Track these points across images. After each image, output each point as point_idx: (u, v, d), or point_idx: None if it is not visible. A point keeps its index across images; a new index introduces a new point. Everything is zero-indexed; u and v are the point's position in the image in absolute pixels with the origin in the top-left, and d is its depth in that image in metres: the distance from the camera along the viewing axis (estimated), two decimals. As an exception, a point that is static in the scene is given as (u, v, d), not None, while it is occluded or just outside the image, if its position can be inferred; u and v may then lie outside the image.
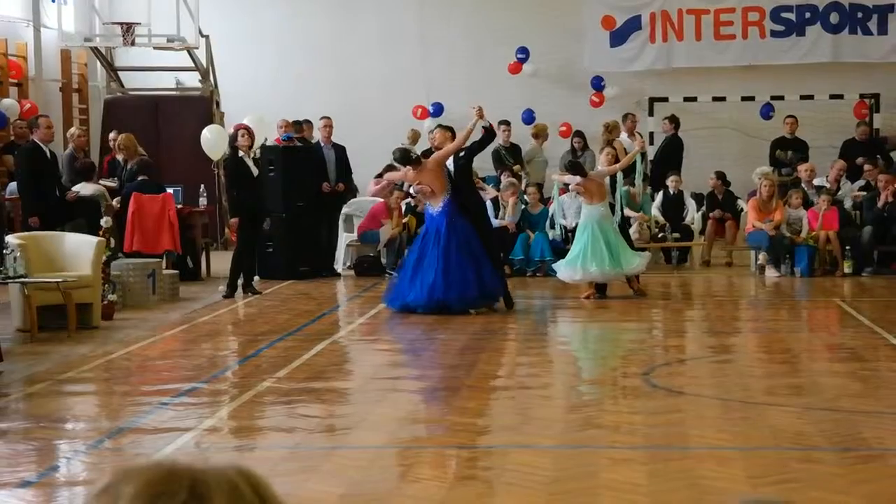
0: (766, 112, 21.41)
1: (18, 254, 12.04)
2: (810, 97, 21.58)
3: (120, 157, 17.40)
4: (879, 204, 17.47)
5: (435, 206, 13.56)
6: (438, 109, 22.26)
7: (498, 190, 18.50)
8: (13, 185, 16.73)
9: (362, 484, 6.73)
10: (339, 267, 18.04)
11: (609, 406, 8.76)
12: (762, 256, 17.38)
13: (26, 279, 11.98)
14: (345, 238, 18.32)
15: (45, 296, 12.11)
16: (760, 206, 17.65)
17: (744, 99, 21.84)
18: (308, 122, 19.34)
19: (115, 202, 16.04)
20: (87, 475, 7.03)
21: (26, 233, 13.48)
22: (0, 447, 7.59)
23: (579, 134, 20.47)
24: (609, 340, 12.20)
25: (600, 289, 14.77)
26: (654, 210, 18.75)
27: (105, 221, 14.11)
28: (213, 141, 16.86)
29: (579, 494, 6.39)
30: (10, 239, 12.54)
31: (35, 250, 12.50)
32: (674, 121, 20.39)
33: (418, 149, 20.91)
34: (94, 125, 21.31)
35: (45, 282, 12.10)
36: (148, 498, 1.52)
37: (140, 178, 16.41)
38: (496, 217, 17.95)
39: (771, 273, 17.10)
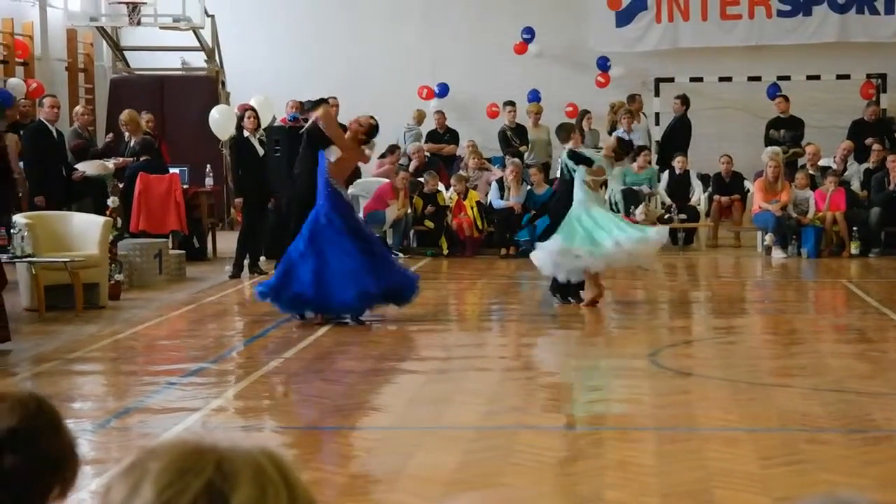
0: (773, 92, 21.35)
1: (26, 233, 12.05)
2: (817, 77, 21.52)
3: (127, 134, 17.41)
4: (891, 187, 17.41)
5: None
6: (444, 90, 22.22)
7: (503, 170, 18.49)
8: (19, 165, 16.72)
9: (370, 464, 6.74)
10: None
11: (616, 387, 8.77)
12: (769, 237, 17.37)
13: (34, 259, 12.00)
14: (351, 218, 18.28)
15: (53, 275, 12.13)
16: (767, 187, 17.62)
17: (750, 79, 21.78)
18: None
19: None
20: (95, 454, 7.04)
21: (33, 212, 13.48)
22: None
23: (585, 114, 20.44)
24: (615, 321, 12.20)
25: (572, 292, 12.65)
26: (661, 190, 18.73)
27: (112, 201, 14.11)
28: (221, 121, 16.83)
29: (587, 475, 6.40)
30: (18, 218, 12.54)
31: (42, 230, 12.51)
32: (685, 101, 20.34)
33: (423, 129, 20.97)
34: (99, 105, 21.28)
35: (52, 261, 12.12)
36: (175, 474, 1.53)
37: (143, 158, 16.40)
38: (501, 198, 17.95)
39: (777, 254, 17.08)
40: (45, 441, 1.91)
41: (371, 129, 12.03)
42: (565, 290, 12.48)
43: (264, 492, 1.55)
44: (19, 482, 1.89)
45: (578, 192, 12.53)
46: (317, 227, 11.52)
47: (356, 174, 19.00)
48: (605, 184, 13.42)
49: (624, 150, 13.30)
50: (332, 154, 11.67)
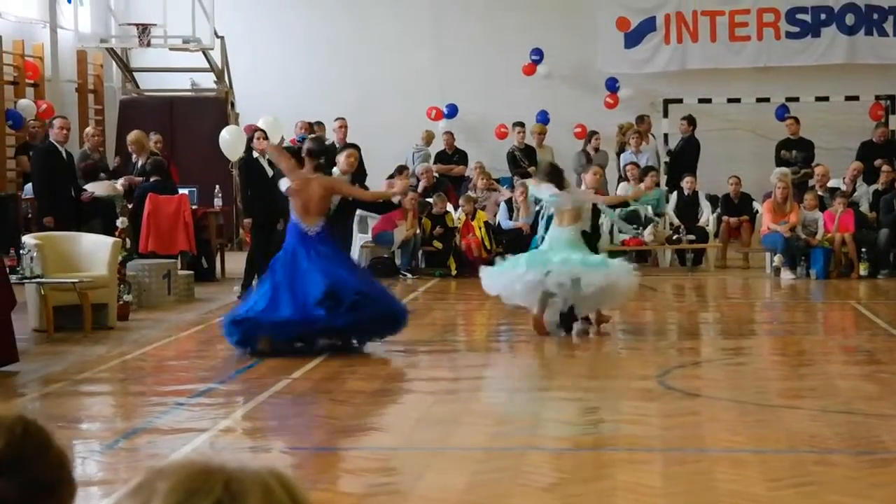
0: (781, 114, 21.36)
1: (35, 254, 12.08)
2: (825, 99, 21.53)
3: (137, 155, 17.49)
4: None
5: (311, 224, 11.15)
6: (453, 111, 22.27)
7: (512, 191, 18.52)
8: (29, 186, 16.78)
9: (378, 485, 6.74)
10: (353, 268, 18.02)
11: (624, 408, 8.75)
12: (777, 258, 17.35)
13: (43, 279, 12.02)
14: (359, 239, 18.32)
15: (62, 296, 12.15)
16: (775, 208, 17.62)
17: (759, 100, 21.80)
18: (320, 123, 19.35)
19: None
20: (103, 475, 7.04)
21: (43, 233, 13.51)
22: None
23: (593, 135, 20.48)
24: (624, 342, 12.18)
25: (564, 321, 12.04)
26: (669, 211, 18.74)
27: (121, 222, 14.15)
28: (231, 142, 16.87)
29: (594, 496, 6.39)
30: (27, 239, 12.58)
31: (51, 250, 12.54)
32: (691, 122, 20.37)
33: (432, 150, 21.00)
34: (109, 126, 21.35)
35: (61, 282, 12.14)
36: (183, 494, 1.54)
37: (153, 179, 16.45)
38: (510, 219, 17.97)
39: (786, 275, 17.07)
40: (34, 465, 1.85)
41: (312, 149, 11.18)
42: (568, 321, 11.97)
43: None
44: None
45: (541, 228, 12.22)
46: (276, 260, 11.08)
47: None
48: (596, 213, 13.09)
49: (552, 177, 12.26)
50: (283, 184, 11.17)
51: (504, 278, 11.85)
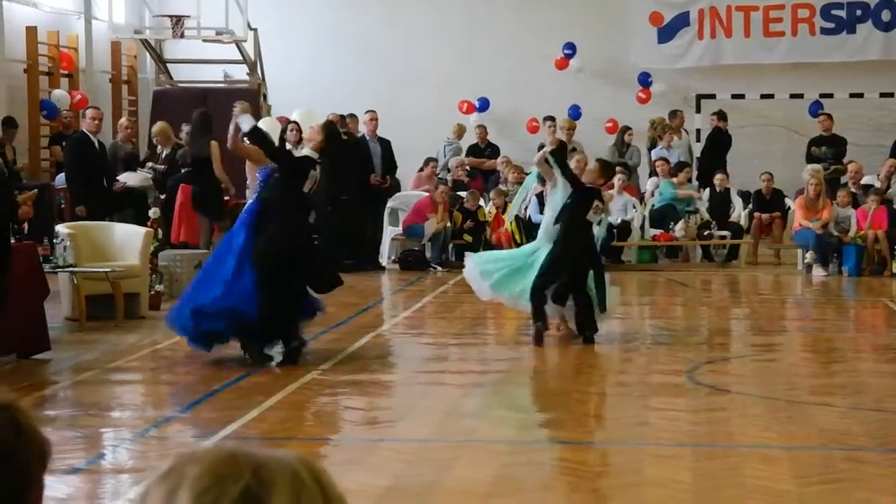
0: (815, 110, 21.24)
1: (68, 243, 12.17)
2: (860, 95, 21.39)
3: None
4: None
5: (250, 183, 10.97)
6: (484, 104, 22.25)
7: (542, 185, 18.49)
8: (62, 176, 16.89)
9: (406, 477, 6.75)
10: (383, 260, 18.09)
11: (654, 403, 8.73)
12: (809, 255, 17.26)
13: (75, 268, 12.10)
14: (390, 232, 18.36)
15: (94, 285, 12.22)
16: (808, 205, 17.53)
17: (792, 96, 21.68)
18: (353, 115, 19.39)
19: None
20: (133, 463, 7.09)
21: (75, 223, 13.60)
22: (49, 434, 7.67)
23: (626, 130, 20.43)
24: (653, 338, 12.15)
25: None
26: (701, 207, 18.67)
27: (153, 212, 14.21)
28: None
29: (624, 490, 6.38)
30: (60, 228, 12.67)
31: (84, 240, 12.62)
32: (722, 117, 20.27)
33: (464, 143, 20.97)
34: (142, 117, 21.45)
35: (93, 271, 12.22)
36: (212, 479, 1.55)
37: (185, 170, 16.52)
38: (541, 212, 17.93)
39: (818, 272, 16.98)
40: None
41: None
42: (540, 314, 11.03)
43: (300, 499, 1.56)
44: None
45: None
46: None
47: (397, 188, 19.03)
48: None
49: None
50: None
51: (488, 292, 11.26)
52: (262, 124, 16.46)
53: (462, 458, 7.18)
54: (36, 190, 10.26)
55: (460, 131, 21.00)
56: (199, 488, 1.54)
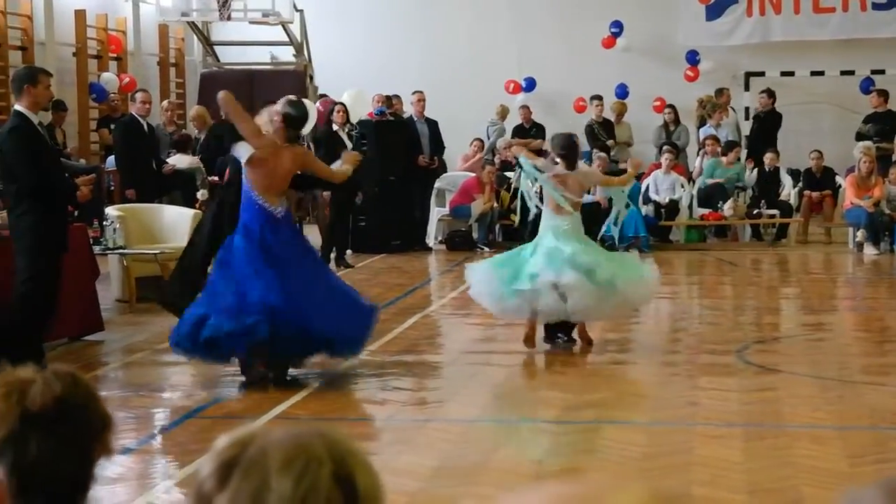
0: (867, 86, 20.98)
1: (118, 226, 12.26)
2: (912, 71, 21.12)
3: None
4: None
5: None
6: (531, 84, 22.17)
7: (590, 165, 18.40)
8: (111, 159, 17.01)
9: (454, 457, 6.76)
10: (430, 241, 18.09)
11: (703, 383, 8.69)
12: (860, 233, 17.09)
13: (125, 250, 12.20)
14: (436, 212, 18.35)
15: (143, 267, 12.31)
16: (859, 183, 17.34)
17: (843, 73, 21.43)
18: (397, 96, 19.39)
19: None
20: (185, 444, 7.14)
21: (125, 205, 13.70)
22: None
23: (671, 108, 20.29)
24: (702, 317, 12.08)
25: (560, 329, 10.01)
26: (750, 185, 18.52)
27: (201, 194, 14.28)
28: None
29: (673, 470, 6.35)
30: (110, 211, 12.77)
31: (133, 222, 12.72)
32: (771, 95, 20.08)
33: (507, 125, 20.91)
34: (190, 99, 21.56)
35: (143, 253, 12.31)
36: (303, 464, 1.56)
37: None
38: (588, 192, 17.84)
39: (869, 250, 16.80)
40: (86, 411, 2.09)
41: (288, 118, 8.75)
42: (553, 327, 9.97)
43: (372, 473, 1.61)
44: (76, 444, 2.06)
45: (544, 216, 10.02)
46: (231, 253, 8.67)
47: (444, 168, 18.99)
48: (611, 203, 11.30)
49: (567, 151, 10.04)
50: (243, 151, 8.70)
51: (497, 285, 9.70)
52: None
53: (510, 439, 7.17)
54: (94, 174, 10.30)
55: (504, 112, 20.93)
56: (295, 475, 1.55)
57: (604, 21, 21.96)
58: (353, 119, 16.74)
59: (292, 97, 9.09)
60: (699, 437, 7.07)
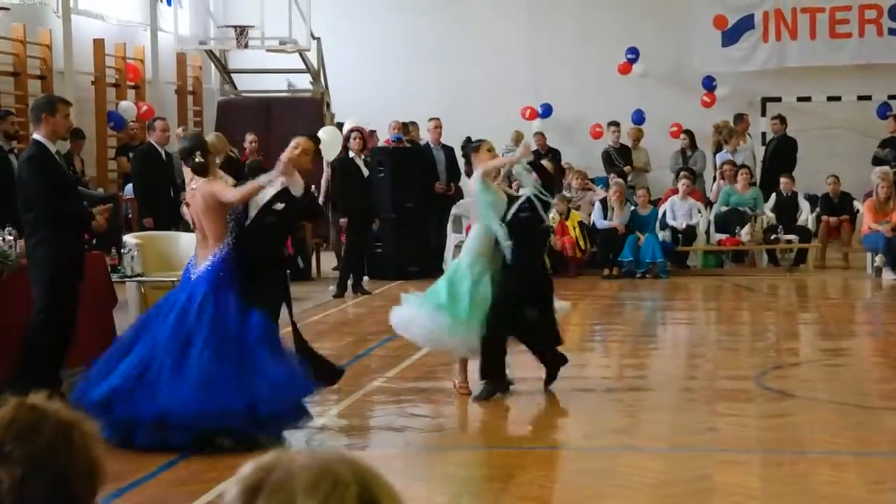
0: (884, 112, 20.96)
1: (135, 253, 12.29)
2: (929, 96, 21.09)
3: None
4: None
5: (201, 259, 8.37)
6: (547, 110, 22.20)
7: (606, 191, 18.41)
8: (129, 187, 17.08)
9: (469, 484, 6.74)
10: (447, 267, 18.06)
11: (721, 409, 8.66)
12: (879, 258, 17.03)
13: (143, 278, 12.24)
14: (453, 239, 18.33)
15: (161, 294, 12.31)
16: (877, 207, 17.29)
17: (860, 98, 21.42)
18: (414, 123, 19.42)
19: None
20: (201, 472, 7.13)
21: (142, 233, 13.75)
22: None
23: (688, 133, 20.29)
24: (720, 343, 12.04)
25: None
26: (767, 211, 18.49)
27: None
28: (328, 142, 17.02)
29: (691, 497, 6.33)
30: (128, 238, 12.81)
31: (151, 250, 12.75)
32: (783, 121, 20.07)
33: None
34: (207, 127, 21.64)
35: (160, 281, 12.33)
36: (329, 486, 1.58)
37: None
38: (605, 218, 17.86)
39: (888, 275, 16.74)
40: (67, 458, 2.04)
41: (182, 149, 8.42)
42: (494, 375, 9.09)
43: (395, 497, 1.64)
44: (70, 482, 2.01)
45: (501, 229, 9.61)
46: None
47: (460, 195, 19.00)
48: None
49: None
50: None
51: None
52: (324, 133, 16.37)
53: (527, 466, 7.15)
54: (111, 204, 10.34)
55: (518, 138, 20.92)
56: (322, 497, 1.56)
57: (620, 47, 22.00)
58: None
59: (185, 132, 8.61)
60: (718, 463, 7.04)
